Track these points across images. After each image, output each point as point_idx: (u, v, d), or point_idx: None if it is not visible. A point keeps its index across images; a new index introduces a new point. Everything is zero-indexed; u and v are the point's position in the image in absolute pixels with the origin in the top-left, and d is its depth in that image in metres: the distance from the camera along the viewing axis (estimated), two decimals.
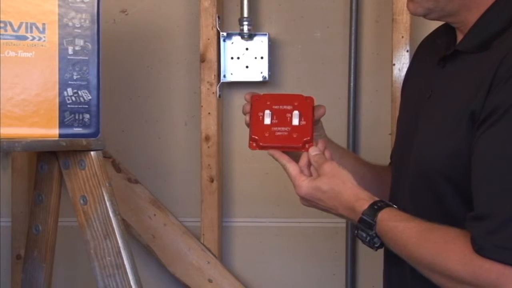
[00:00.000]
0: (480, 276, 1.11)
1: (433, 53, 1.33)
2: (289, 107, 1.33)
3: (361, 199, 1.26)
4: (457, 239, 1.15)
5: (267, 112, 1.32)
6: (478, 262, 1.11)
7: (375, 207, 1.24)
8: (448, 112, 1.22)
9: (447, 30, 1.32)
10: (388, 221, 1.22)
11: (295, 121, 1.31)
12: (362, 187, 1.32)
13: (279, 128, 1.31)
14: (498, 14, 1.23)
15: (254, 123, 1.32)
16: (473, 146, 1.16)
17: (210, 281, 2.03)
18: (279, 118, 1.32)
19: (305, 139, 1.30)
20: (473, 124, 1.16)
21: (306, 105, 1.33)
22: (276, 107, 1.33)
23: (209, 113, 2.01)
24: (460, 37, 1.28)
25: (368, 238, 1.23)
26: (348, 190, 1.27)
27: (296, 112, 1.31)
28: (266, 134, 1.31)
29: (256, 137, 1.32)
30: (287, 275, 2.11)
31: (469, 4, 1.24)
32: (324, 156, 1.31)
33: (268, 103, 1.33)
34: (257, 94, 1.35)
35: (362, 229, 1.23)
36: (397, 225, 1.21)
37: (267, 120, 1.32)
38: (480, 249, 1.11)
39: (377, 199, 1.25)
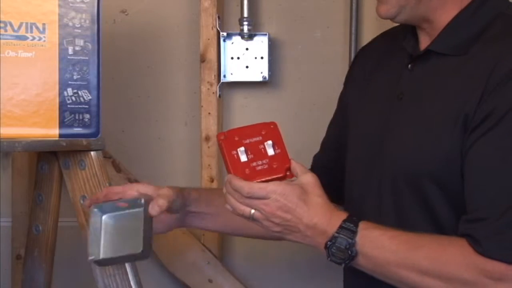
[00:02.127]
0: (485, 276, 1.12)
1: (395, 56, 1.33)
2: (259, 138, 1.28)
3: (340, 211, 1.25)
4: (452, 243, 1.15)
5: (241, 149, 1.27)
6: (481, 262, 1.12)
7: (354, 218, 1.23)
8: (433, 114, 1.21)
9: (403, 33, 1.32)
10: (372, 229, 1.21)
11: (270, 151, 1.27)
12: None
13: (258, 162, 1.27)
14: (472, 17, 1.24)
15: (231, 163, 1.27)
16: (467, 150, 1.16)
17: (210, 281, 2.03)
18: (253, 152, 1.27)
19: (286, 166, 1.27)
20: (465, 128, 1.16)
21: (274, 132, 1.29)
22: (246, 141, 1.28)
23: (209, 113, 2.01)
24: (425, 39, 1.29)
25: (348, 245, 1.19)
26: (327, 203, 1.25)
27: (269, 142, 1.28)
28: (247, 172, 1.26)
29: None
30: (287, 275, 2.11)
31: (435, 5, 1.25)
32: (304, 166, 1.29)
33: (236, 139, 1.29)
34: (220, 133, 1.30)
35: (342, 236, 1.20)
36: (384, 233, 1.20)
37: (243, 157, 1.27)
38: (484, 250, 1.12)
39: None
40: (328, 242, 1.21)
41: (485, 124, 1.14)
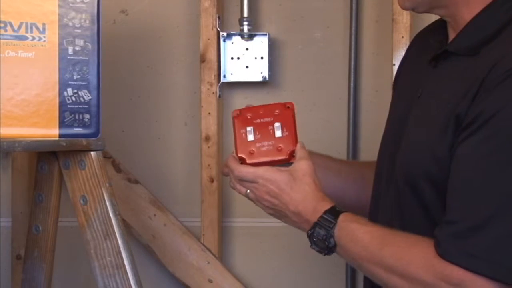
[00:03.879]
0: (442, 280, 1.10)
1: (425, 51, 1.31)
2: (270, 119, 1.31)
3: (325, 200, 1.26)
4: (420, 243, 1.15)
5: (249, 128, 1.30)
6: (441, 266, 1.11)
7: (337, 208, 1.25)
8: (437, 114, 1.20)
9: (440, 28, 1.30)
10: (350, 222, 1.22)
11: (278, 133, 1.30)
12: (337, 183, 1.37)
13: (264, 143, 1.30)
14: (490, 18, 1.21)
15: (238, 141, 1.31)
16: (454, 152, 1.15)
17: (210, 281, 2.03)
18: (261, 132, 1.30)
19: (290, 150, 1.29)
20: (456, 128, 1.15)
21: (287, 114, 1.31)
22: (257, 121, 1.31)
23: (209, 113, 2.01)
24: (452, 35, 1.26)
25: (325, 236, 1.22)
26: (314, 192, 1.27)
27: (277, 124, 1.30)
28: (252, 151, 1.29)
29: (243, 156, 1.30)
30: (287, 275, 2.11)
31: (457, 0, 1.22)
32: (307, 153, 1.30)
33: (248, 117, 1.32)
34: (236, 110, 1.33)
35: (320, 226, 1.22)
36: (360, 227, 1.21)
37: (251, 137, 1.30)
38: (444, 253, 1.11)
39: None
40: (309, 231, 1.24)
41: (471, 127, 1.12)
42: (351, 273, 2.05)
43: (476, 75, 1.15)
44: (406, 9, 1.28)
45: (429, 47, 1.31)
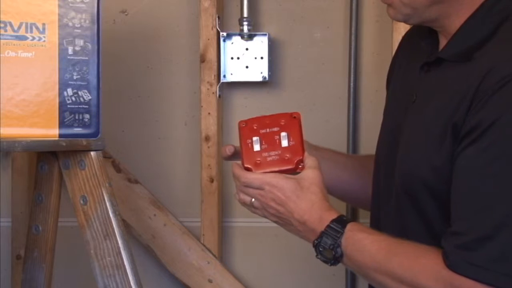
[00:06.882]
0: None
1: (417, 55, 1.31)
2: (276, 129, 1.31)
3: (332, 210, 1.26)
4: (428, 254, 1.15)
5: (255, 138, 1.30)
6: (449, 277, 1.11)
7: (344, 218, 1.24)
8: (433, 122, 1.20)
9: (430, 32, 1.30)
10: (357, 232, 1.22)
11: (285, 143, 1.30)
12: (345, 177, 1.38)
13: (270, 153, 1.30)
14: (480, 22, 1.20)
15: (245, 151, 1.31)
16: (454, 161, 1.15)
17: (210, 281, 2.03)
18: (268, 142, 1.30)
19: (297, 159, 1.29)
20: (455, 137, 1.15)
21: (293, 123, 1.31)
22: (263, 131, 1.31)
23: (209, 113, 2.01)
24: (443, 41, 1.26)
25: (332, 246, 1.21)
26: (321, 201, 1.26)
27: (284, 134, 1.30)
28: (258, 161, 1.29)
29: (249, 166, 1.30)
30: (287, 275, 2.11)
31: (448, 11, 1.22)
32: (316, 162, 1.29)
33: (255, 127, 1.32)
34: (242, 120, 1.34)
35: (327, 235, 1.22)
36: (367, 236, 1.21)
37: (257, 147, 1.30)
38: (452, 264, 1.11)
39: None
40: (315, 241, 1.23)
41: (470, 137, 1.12)
42: (351, 273, 2.05)
43: (470, 82, 1.14)
44: (397, 20, 1.28)
45: (421, 50, 1.30)
